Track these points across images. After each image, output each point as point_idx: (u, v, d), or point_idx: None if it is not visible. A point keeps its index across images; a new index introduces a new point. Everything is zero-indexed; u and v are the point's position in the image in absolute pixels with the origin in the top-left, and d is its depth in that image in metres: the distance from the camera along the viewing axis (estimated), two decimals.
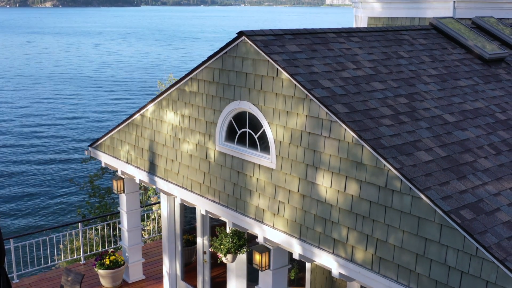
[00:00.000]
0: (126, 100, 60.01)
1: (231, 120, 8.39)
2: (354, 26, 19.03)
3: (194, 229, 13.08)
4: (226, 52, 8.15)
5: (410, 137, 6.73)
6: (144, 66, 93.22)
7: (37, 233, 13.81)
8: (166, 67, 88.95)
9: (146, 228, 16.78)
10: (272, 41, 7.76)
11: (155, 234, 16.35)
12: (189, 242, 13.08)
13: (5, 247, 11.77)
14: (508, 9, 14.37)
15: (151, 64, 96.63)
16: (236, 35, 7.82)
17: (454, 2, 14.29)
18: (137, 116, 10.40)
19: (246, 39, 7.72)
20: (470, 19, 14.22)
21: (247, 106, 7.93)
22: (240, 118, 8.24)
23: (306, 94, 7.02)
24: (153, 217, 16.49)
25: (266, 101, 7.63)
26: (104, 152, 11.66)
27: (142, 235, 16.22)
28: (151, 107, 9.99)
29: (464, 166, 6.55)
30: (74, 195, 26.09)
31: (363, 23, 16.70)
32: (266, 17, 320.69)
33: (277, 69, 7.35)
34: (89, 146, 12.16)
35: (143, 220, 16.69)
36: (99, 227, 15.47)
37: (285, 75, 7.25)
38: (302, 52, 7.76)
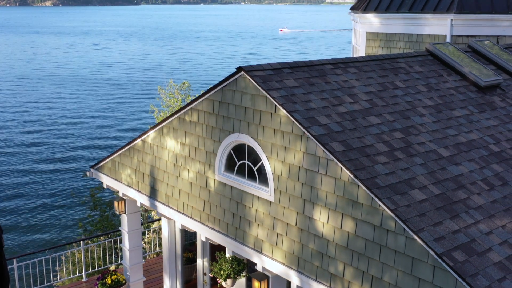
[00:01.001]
0: (127, 103, 60.18)
1: (230, 151, 8.55)
2: (352, 38, 19.21)
3: (195, 245, 13.26)
4: (225, 85, 8.32)
5: (405, 174, 6.90)
6: (145, 66, 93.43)
7: (40, 252, 13.97)
8: (167, 70, 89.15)
9: (146, 239, 16.95)
10: (270, 76, 7.92)
11: (156, 244, 16.52)
12: (189, 260, 13.27)
13: (8, 267, 11.96)
14: (505, 26, 14.54)
15: (152, 65, 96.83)
16: (236, 70, 7.99)
17: (451, 20, 14.48)
18: (138, 141, 10.57)
19: (245, 74, 7.89)
20: (466, 43, 14.40)
21: (246, 139, 8.10)
22: (239, 150, 8.41)
23: (304, 132, 7.19)
24: (153, 229, 16.66)
25: (264, 135, 7.80)
26: (105, 174, 11.83)
27: (143, 247, 16.38)
28: (152, 134, 10.16)
29: (457, 204, 6.72)
30: (75, 208, 26.23)
31: (361, 38, 16.85)
32: (266, 16, 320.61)
33: (275, 105, 7.52)
34: (91, 167, 12.34)
35: (144, 233, 16.87)
36: (101, 244, 15.63)
37: (283, 111, 7.42)
38: (299, 87, 7.93)
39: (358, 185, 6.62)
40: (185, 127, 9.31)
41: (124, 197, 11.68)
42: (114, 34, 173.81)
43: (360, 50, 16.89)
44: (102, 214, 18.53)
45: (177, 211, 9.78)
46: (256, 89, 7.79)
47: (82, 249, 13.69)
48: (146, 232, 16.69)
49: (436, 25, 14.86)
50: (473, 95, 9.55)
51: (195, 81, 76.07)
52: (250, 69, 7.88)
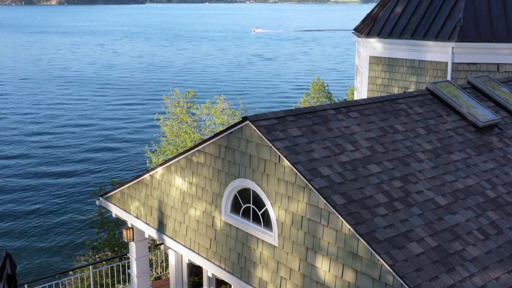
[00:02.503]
0: (133, 108, 60.55)
1: (236, 194, 8.89)
2: (356, 59, 19.49)
3: (201, 268, 13.59)
4: (231, 132, 8.65)
5: (403, 227, 7.22)
6: (150, 68, 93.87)
7: (50, 277, 14.34)
8: (172, 72, 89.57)
9: (153, 255, 17.27)
10: (274, 125, 8.25)
11: (163, 264, 16.87)
12: (196, 284, 13.62)
13: None
14: (506, 54, 14.83)
15: (157, 66, 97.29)
16: (241, 119, 8.32)
17: (453, 48, 14.77)
18: (146, 176, 10.91)
19: (250, 123, 8.22)
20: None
21: (251, 185, 8.43)
22: (244, 193, 8.74)
23: (306, 184, 7.52)
24: (161, 251, 17.01)
25: (269, 183, 8.13)
26: (114, 204, 12.19)
27: (150, 268, 16.73)
28: (160, 170, 10.51)
29: (453, 257, 7.03)
30: (83, 226, 26.53)
31: (365, 61, 17.14)
32: (272, 15, 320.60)
33: (279, 156, 7.85)
34: (100, 196, 12.70)
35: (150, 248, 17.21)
36: (109, 268, 15.91)
37: (286, 162, 7.75)
38: (303, 136, 8.25)
39: (358, 239, 6.94)
40: (192, 167, 9.65)
41: (133, 226, 12.03)
42: (119, 34, 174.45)
43: (363, 73, 17.18)
44: (110, 232, 18.91)
45: (185, 246, 10.13)
46: (260, 139, 8.12)
47: (91, 274, 14.06)
48: (153, 252, 17.03)
49: (438, 52, 15.14)
50: (471, 136, 9.85)
51: (200, 83, 76.50)
52: (255, 119, 8.21)
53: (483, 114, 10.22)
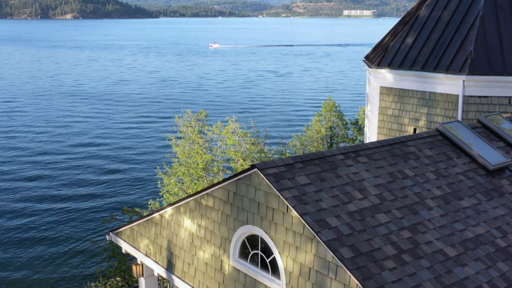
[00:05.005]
0: (146, 124, 60.88)
1: (244, 240, 8.90)
2: (367, 87, 19.49)
3: None
4: (240, 178, 8.68)
5: (411, 281, 7.17)
6: (164, 84, 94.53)
7: None
8: (185, 87, 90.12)
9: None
10: (282, 173, 8.26)
11: None
12: None
13: None
14: None
15: (171, 81, 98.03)
16: (250, 166, 8.35)
17: (464, 81, 14.73)
18: (156, 215, 10.96)
19: (258, 171, 8.24)
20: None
21: (260, 233, 8.43)
22: (253, 240, 8.74)
23: (314, 235, 7.50)
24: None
25: (277, 232, 8.13)
26: (124, 240, 12.24)
27: None
28: (169, 210, 10.55)
29: None
30: (94, 254, 26.52)
31: (375, 91, 17.12)
32: (284, 29, 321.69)
33: (287, 206, 7.85)
34: (110, 231, 12.76)
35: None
36: None
37: (294, 213, 7.75)
38: (311, 184, 8.25)
39: None
40: (201, 210, 9.68)
41: (142, 263, 12.06)
42: (132, 49, 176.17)
43: (374, 103, 17.17)
44: (121, 260, 18.93)
45: (193, 287, 10.12)
46: (269, 187, 8.13)
47: None
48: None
49: (449, 85, 15.10)
50: (481, 179, 9.79)
51: (212, 99, 76.83)
52: (263, 167, 8.23)
53: (493, 156, 10.15)
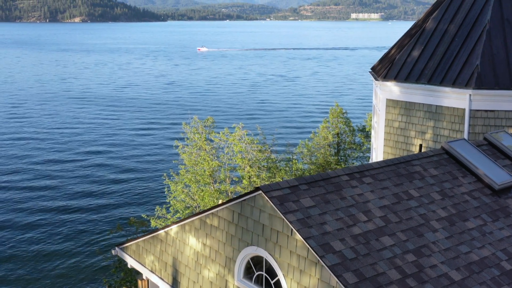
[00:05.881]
0: (153, 131, 61.02)
1: (249, 261, 8.91)
2: (373, 98, 19.48)
3: None
4: (245, 199, 8.70)
5: None
6: (171, 88, 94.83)
7: None
8: (192, 91, 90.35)
9: None
10: (287, 195, 8.27)
11: None
12: None
13: None
14: None
15: (178, 85, 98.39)
16: (254, 188, 8.37)
17: (470, 95, 14.69)
18: (161, 231, 11.00)
19: (263, 193, 8.26)
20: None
21: (264, 254, 8.45)
22: (257, 260, 8.76)
23: (318, 260, 7.51)
24: None
25: (282, 254, 8.14)
26: (130, 256, 12.29)
27: None
28: (174, 228, 10.58)
29: None
30: (100, 264, 26.56)
31: (382, 103, 17.10)
32: (292, 33, 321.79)
33: (292, 229, 7.86)
34: (116, 246, 12.81)
35: None
36: None
37: (299, 236, 7.76)
38: (315, 206, 8.26)
39: None
40: (206, 229, 9.71)
41: (148, 278, 12.10)
42: (140, 52, 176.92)
43: (380, 115, 17.15)
44: (127, 271, 18.97)
45: None
46: (273, 210, 8.15)
47: None
48: None
49: (455, 99, 15.06)
50: (487, 199, 9.76)
51: (219, 103, 76.95)
52: (268, 189, 8.24)
53: (499, 175, 10.12)
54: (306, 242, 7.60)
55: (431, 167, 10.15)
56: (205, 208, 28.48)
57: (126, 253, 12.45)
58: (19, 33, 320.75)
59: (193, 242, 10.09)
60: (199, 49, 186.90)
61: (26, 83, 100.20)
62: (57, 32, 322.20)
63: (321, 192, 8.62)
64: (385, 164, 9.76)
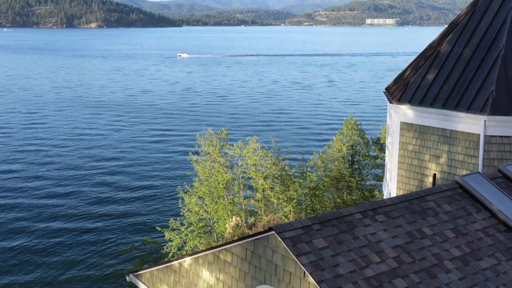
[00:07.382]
0: (167, 138, 61.35)
1: None
2: (388, 119, 19.44)
3: None
4: (258, 238, 8.75)
5: None
6: (186, 95, 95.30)
7: None
8: (207, 99, 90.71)
9: None
10: (300, 236, 8.30)
11: None
12: None
13: None
14: None
15: (193, 92, 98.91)
16: (267, 228, 8.42)
17: (485, 121, 14.61)
18: (175, 262, 11.09)
19: (275, 234, 8.30)
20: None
21: None
22: None
23: None
24: None
25: None
26: (144, 283, 12.39)
27: None
28: (188, 260, 10.67)
29: None
30: (114, 282, 26.70)
31: (395, 126, 17.06)
32: (307, 39, 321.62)
33: (304, 272, 7.90)
34: (130, 273, 12.93)
35: None
36: None
37: (311, 279, 7.79)
38: (328, 247, 8.28)
39: None
40: (219, 264, 9.77)
41: None
42: (156, 58, 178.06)
43: (394, 137, 17.11)
44: None
45: None
46: (286, 251, 8.19)
47: None
48: None
49: (470, 124, 14.99)
50: (501, 236, 9.71)
51: (233, 111, 77.17)
52: (280, 230, 8.28)
53: None
54: (319, 286, 7.63)
55: (445, 202, 10.13)
56: (219, 223, 28.59)
57: (140, 281, 12.56)
58: (36, 38, 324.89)
59: (207, 276, 10.16)
60: (179, 56, 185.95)
61: (43, 90, 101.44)
62: (73, 38, 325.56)
63: (334, 231, 8.64)
64: (398, 201, 9.75)
